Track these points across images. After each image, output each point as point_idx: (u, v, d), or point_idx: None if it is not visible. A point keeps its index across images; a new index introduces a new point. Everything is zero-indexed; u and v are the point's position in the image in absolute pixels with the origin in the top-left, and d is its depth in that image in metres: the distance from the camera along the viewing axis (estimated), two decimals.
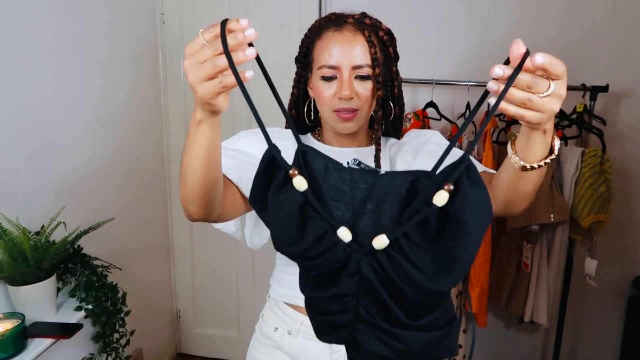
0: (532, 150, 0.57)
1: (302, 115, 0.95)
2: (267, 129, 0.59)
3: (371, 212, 0.56)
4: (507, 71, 0.47)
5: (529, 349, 2.19)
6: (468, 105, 1.83)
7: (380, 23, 0.86)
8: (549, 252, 1.83)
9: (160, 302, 2.27)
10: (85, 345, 1.44)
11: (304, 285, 0.66)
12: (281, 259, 0.99)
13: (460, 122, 1.86)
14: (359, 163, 0.63)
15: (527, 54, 0.46)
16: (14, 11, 1.31)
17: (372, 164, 0.86)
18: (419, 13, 1.95)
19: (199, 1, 2.05)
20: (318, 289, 0.61)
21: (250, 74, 0.50)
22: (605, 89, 1.71)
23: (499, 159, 1.76)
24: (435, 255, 0.53)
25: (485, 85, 0.52)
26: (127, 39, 1.86)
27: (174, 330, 2.41)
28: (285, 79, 0.98)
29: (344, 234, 0.55)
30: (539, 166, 0.58)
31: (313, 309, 0.66)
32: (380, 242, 0.54)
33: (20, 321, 1.18)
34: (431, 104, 1.83)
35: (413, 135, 0.94)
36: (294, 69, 0.94)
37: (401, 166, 0.88)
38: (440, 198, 0.50)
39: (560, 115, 1.75)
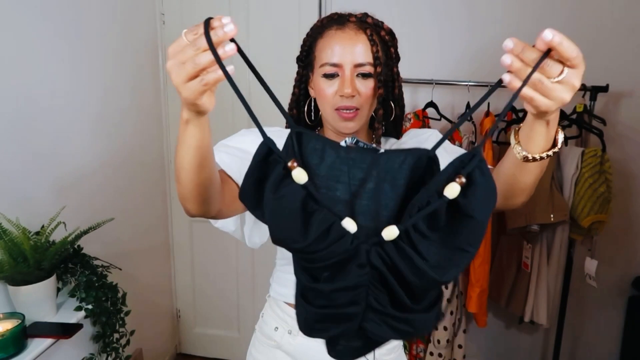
0: (535, 141, 0.57)
1: (303, 114, 0.95)
2: (267, 129, 0.58)
3: (371, 191, 0.56)
4: (518, 45, 0.46)
5: (529, 349, 2.19)
6: (468, 105, 1.83)
7: (382, 23, 0.86)
8: (549, 252, 1.83)
9: (160, 302, 2.27)
10: (85, 345, 1.44)
11: (299, 277, 0.65)
12: (281, 259, 0.99)
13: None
14: (357, 141, 0.62)
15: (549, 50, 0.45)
16: (13, 11, 1.31)
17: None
18: (419, 13, 1.95)
19: (199, 1, 2.05)
20: (323, 282, 0.60)
21: (231, 68, 0.50)
22: (605, 89, 1.71)
23: (498, 159, 1.76)
24: (442, 247, 0.53)
25: (485, 86, 0.52)
26: (127, 39, 1.86)
27: (174, 330, 2.41)
28: (285, 78, 0.98)
29: (349, 224, 0.54)
30: (541, 158, 0.58)
31: (311, 302, 0.64)
32: (390, 233, 0.53)
33: (20, 321, 1.18)
34: (431, 104, 1.83)
35: (412, 135, 0.95)
36: (294, 68, 0.95)
37: None
38: (452, 191, 0.50)
39: (560, 115, 1.75)
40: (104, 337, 1.47)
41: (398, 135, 0.97)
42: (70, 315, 1.35)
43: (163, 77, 2.12)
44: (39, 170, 1.42)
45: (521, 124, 0.60)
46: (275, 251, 0.99)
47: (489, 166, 0.83)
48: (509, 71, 0.48)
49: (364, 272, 0.57)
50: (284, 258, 0.97)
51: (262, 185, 0.56)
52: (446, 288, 1.86)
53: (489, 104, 1.84)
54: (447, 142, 0.91)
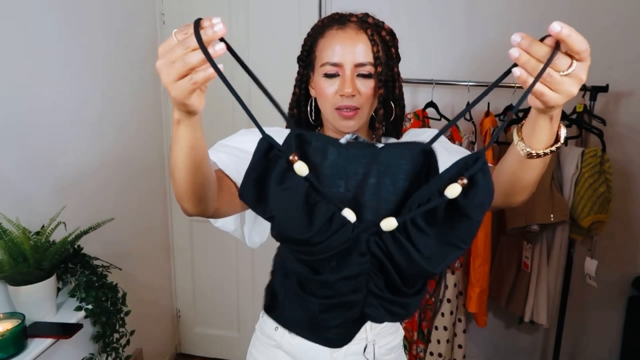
0: (539, 137, 0.57)
1: (304, 114, 0.95)
2: (266, 129, 0.59)
3: (372, 185, 0.58)
4: (526, 39, 0.47)
5: (529, 349, 2.19)
6: (468, 105, 1.83)
7: (383, 23, 0.87)
8: (549, 252, 1.83)
9: (160, 302, 2.27)
10: (85, 345, 1.44)
11: (298, 272, 0.67)
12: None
13: (460, 122, 1.86)
14: (357, 137, 0.64)
15: (557, 45, 0.46)
16: (13, 11, 1.31)
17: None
18: (419, 13, 1.95)
19: (199, 1, 2.05)
20: (329, 272, 0.63)
21: (220, 67, 0.51)
22: (605, 89, 1.71)
23: (498, 159, 1.76)
24: (437, 242, 0.56)
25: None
26: (128, 39, 1.86)
27: (174, 330, 2.41)
28: (285, 78, 0.98)
29: (349, 214, 0.57)
30: (544, 154, 0.59)
31: (314, 294, 0.67)
32: (389, 224, 0.56)
33: (20, 321, 1.18)
34: (431, 104, 1.83)
35: (412, 135, 0.95)
36: (294, 68, 0.95)
37: None
38: (453, 191, 0.52)
39: (561, 115, 1.75)
40: (104, 337, 1.47)
41: (398, 135, 0.97)
42: (70, 315, 1.35)
43: None
44: (39, 170, 1.42)
45: (523, 121, 0.60)
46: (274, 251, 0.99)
47: (490, 165, 0.84)
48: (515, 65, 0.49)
49: (365, 261, 0.60)
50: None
51: (264, 181, 0.58)
52: (446, 288, 1.86)
53: (488, 104, 1.84)
54: (447, 141, 0.91)
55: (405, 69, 1.00)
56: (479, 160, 0.52)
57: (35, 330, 1.24)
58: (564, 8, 1.84)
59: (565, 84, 0.48)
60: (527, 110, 1.78)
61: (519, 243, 1.87)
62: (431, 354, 1.93)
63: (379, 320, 0.67)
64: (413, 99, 2.00)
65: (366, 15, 0.85)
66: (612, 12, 1.81)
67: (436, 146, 0.87)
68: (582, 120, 1.76)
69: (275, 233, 0.60)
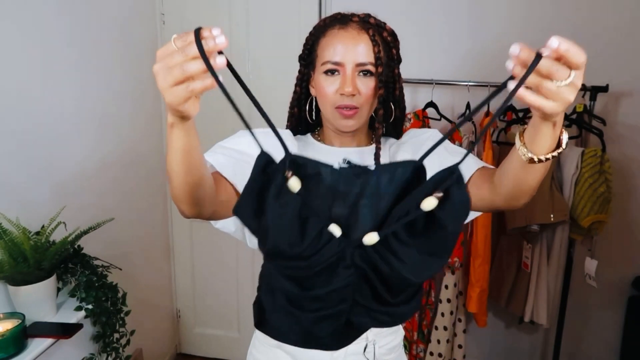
0: (541, 143, 0.58)
1: (304, 113, 0.95)
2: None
3: (367, 206, 0.63)
4: (524, 53, 0.47)
5: (529, 349, 2.19)
6: (468, 105, 1.83)
7: (385, 24, 0.87)
8: (549, 252, 1.83)
9: (160, 302, 2.27)
10: (85, 345, 1.44)
11: (286, 289, 0.72)
12: None
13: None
14: (349, 162, 0.68)
15: (539, 56, 0.46)
16: (13, 11, 1.31)
17: (373, 163, 0.87)
18: (420, 13, 1.95)
19: (199, 1, 2.05)
20: (318, 287, 0.68)
21: (220, 77, 0.51)
22: (605, 89, 1.71)
23: (498, 159, 1.77)
24: (418, 252, 0.60)
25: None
26: (127, 39, 1.86)
27: (174, 330, 2.41)
28: (285, 78, 0.99)
29: (334, 229, 0.61)
30: (547, 159, 0.59)
31: (304, 309, 0.72)
32: (370, 239, 0.60)
33: (20, 321, 1.18)
34: (431, 104, 1.83)
35: (412, 135, 0.95)
36: (294, 68, 0.95)
37: None
38: (429, 204, 0.56)
39: None
40: (104, 337, 1.47)
41: (398, 136, 0.98)
42: (70, 315, 1.35)
43: None
44: (39, 170, 1.42)
45: (525, 126, 0.61)
46: None
47: (490, 166, 0.85)
48: (512, 77, 0.50)
49: (350, 273, 0.65)
50: None
51: (262, 195, 0.61)
52: (446, 288, 1.86)
53: (489, 104, 1.84)
54: (447, 142, 0.91)
55: (406, 69, 1.00)
56: (454, 173, 0.55)
57: (36, 330, 1.24)
58: (565, 8, 1.84)
59: (563, 92, 0.49)
60: (527, 110, 1.78)
61: (519, 243, 1.87)
62: (431, 354, 1.93)
63: (365, 327, 0.72)
64: (413, 99, 2.00)
65: (368, 15, 0.86)
66: (613, 12, 1.81)
67: (440, 150, 0.87)
68: (582, 120, 1.76)
69: (267, 249, 0.63)
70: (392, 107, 0.92)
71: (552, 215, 1.67)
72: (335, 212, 0.62)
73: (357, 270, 0.64)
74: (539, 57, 0.46)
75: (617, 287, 2.02)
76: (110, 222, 1.53)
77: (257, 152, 0.72)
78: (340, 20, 0.86)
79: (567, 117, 1.76)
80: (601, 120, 1.76)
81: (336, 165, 0.63)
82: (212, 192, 0.71)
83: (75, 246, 1.44)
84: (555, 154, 0.59)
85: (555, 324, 1.94)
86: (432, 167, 0.62)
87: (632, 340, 1.99)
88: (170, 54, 0.51)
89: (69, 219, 1.42)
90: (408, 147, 0.92)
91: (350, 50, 0.82)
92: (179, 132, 0.58)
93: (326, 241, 0.60)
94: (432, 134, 0.92)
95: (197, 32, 0.50)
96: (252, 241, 0.95)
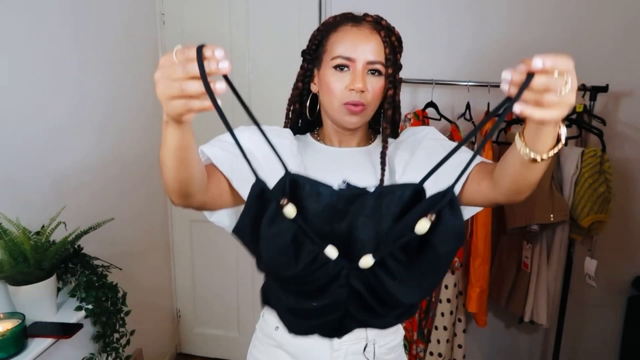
0: (542, 141, 0.58)
1: (305, 109, 0.95)
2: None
3: (365, 225, 0.65)
4: (517, 76, 0.48)
5: (529, 349, 2.19)
6: (468, 106, 1.84)
7: (394, 28, 0.88)
8: (549, 252, 1.83)
9: (160, 302, 2.27)
10: (86, 345, 1.44)
11: (284, 300, 0.77)
12: None
13: (460, 122, 1.86)
14: (348, 184, 0.71)
15: (530, 75, 0.48)
16: (12, 11, 1.31)
17: (377, 162, 0.88)
18: (420, 13, 1.95)
19: (200, 1, 2.05)
20: (310, 300, 0.72)
21: (218, 102, 0.52)
22: (605, 89, 1.71)
23: (498, 159, 1.76)
24: (412, 273, 0.63)
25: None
26: (127, 39, 1.86)
27: (174, 330, 2.41)
28: (285, 78, 0.98)
29: (331, 251, 0.63)
30: (548, 157, 0.59)
31: (299, 317, 0.77)
32: (366, 262, 0.63)
33: (20, 321, 1.18)
34: (431, 104, 1.83)
35: (409, 133, 0.95)
36: (293, 68, 0.95)
37: (399, 164, 0.88)
38: (422, 227, 0.57)
39: None
40: (104, 337, 1.47)
41: (395, 136, 0.98)
42: (70, 315, 1.35)
43: None
44: (39, 170, 1.42)
45: (524, 125, 0.61)
46: None
47: (489, 161, 0.85)
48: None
49: (343, 290, 0.69)
50: None
51: (257, 222, 0.64)
52: (446, 288, 1.86)
53: (488, 104, 1.84)
54: (447, 140, 0.91)
55: (406, 69, 1.01)
56: (447, 196, 0.56)
57: (36, 330, 1.24)
58: (565, 8, 1.84)
59: (566, 98, 0.50)
60: None
61: (519, 243, 1.87)
62: (431, 353, 1.93)
63: (355, 327, 0.79)
64: (413, 98, 2.00)
65: (380, 17, 0.87)
66: (613, 12, 1.81)
67: (432, 145, 0.88)
68: (582, 120, 1.76)
69: (262, 270, 0.68)
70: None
71: (552, 215, 1.67)
72: (333, 231, 0.64)
73: (351, 289, 0.67)
74: (531, 76, 0.47)
75: (616, 286, 2.02)
76: (110, 222, 1.53)
77: (257, 146, 0.75)
78: (353, 18, 0.87)
79: (567, 117, 1.76)
80: (601, 120, 1.76)
81: (336, 187, 0.66)
82: (203, 186, 0.72)
83: (75, 246, 1.44)
84: (555, 150, 0.59)
85: (555, 324, 1.94)
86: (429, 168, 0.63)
87: (632, 340, 1.99)
88: (172, 66, 0.50)
89: (69, 219, 1.42)
90: (406, 145, 0.92)
91: (362, 48, 0.82)
92: (173, 130, 0.59)
93: (320, 264, 0.63)
94: (428, 132, 0.92)
95: (200, 50, 0.48)
96: None
